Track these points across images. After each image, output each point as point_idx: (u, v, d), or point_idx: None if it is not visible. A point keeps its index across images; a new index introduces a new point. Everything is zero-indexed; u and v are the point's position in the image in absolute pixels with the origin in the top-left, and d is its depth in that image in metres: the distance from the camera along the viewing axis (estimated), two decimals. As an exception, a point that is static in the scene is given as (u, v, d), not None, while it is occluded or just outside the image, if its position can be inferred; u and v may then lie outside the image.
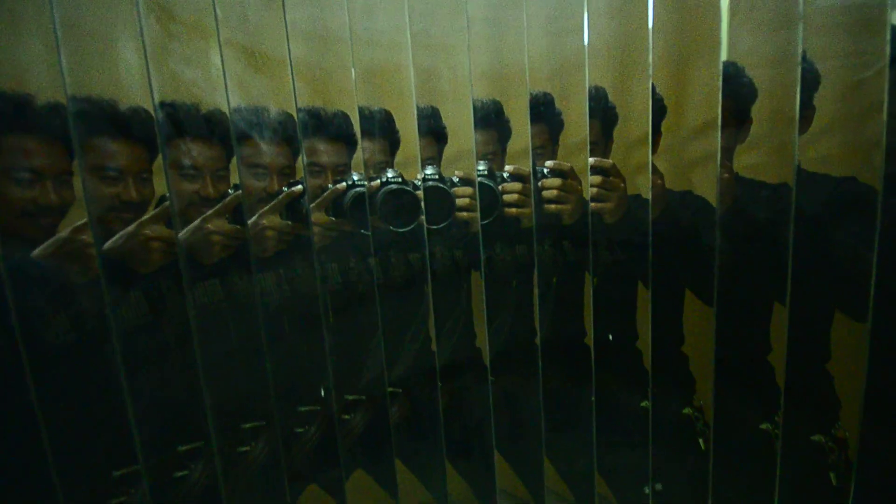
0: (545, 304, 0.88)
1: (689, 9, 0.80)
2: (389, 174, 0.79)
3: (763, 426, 0.83)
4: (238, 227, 0.75)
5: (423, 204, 0.80)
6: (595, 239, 0.85)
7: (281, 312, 0.81)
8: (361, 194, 0.78)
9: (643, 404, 0.88)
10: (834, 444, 0.78)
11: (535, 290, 0.88)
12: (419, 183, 0.80)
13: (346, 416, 0.85)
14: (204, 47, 0.70)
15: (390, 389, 0.86)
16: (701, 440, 0.87)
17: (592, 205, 0.83)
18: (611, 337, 0.88)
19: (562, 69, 0.83)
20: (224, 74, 0.69)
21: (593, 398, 0.88)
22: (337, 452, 0.85)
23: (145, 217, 0.70)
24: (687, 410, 0.88)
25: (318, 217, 0.79)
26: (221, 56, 0.69)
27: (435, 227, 0.81)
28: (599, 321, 0.87)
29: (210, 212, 0.74)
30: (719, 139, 0.75)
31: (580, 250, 0.86)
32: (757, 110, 0.80)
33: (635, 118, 0.83)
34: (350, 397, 0.85)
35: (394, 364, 0.88)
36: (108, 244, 0.68)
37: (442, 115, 0.85)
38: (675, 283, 0.87)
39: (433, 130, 0.84)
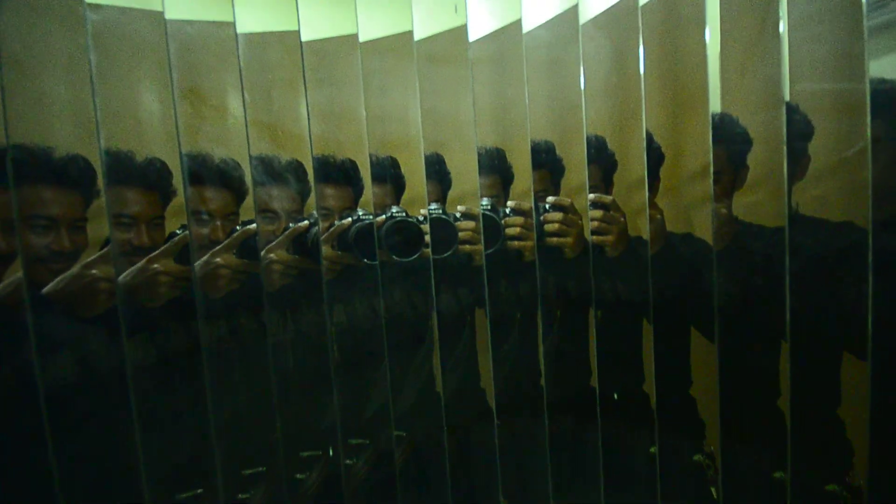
0: (549, 342, 0.88)
1: (681, 65, 0.84)
2: (394, 209, 0.82)
3: (777, 475, 0.80)
4: (245, 261, 0.77)
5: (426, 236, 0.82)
6: (597, 277, 0.85)
7: (286, 353, 0.81)
8: (366, 226, 0.80)
9: (652, 450, 0.86)
10: (849, 493, 0.76)
11: (539, 329, 0.88)
12: (422, 218, 0.82)
13: (349, 461, 0.84)
14: (231, 127, 0.76)
15: (396, 433, 0.85)
16: (713, 489, 0.85)
17: (594, 237, 0.85)
18: (616, 396, 0.88)
19: (563, 141, 0.88)
20: (248, 150, 0.75)
21: (600, 443, 0.87)
22: (342, 499, 0.82)
23: (156, 253, 0.73)
24: (697, 457, 0.86)
25: (323, 251, 0.81)
26: (247, 134, 0.74)
27: (438, 256, 0.83)
28: (604, 362, 0.87)
29: (219, 246, 0.77)
30: (711, 184, 0.78)
31: (583, 286, 0.87)
32: (753, 157, 0.83)
33: (634, 164, 0.86)
34: (354, 441, 0.84)
35: (396, 406, 0.87)
36: (119, 278, 0.70)
37: (447, 160, 0.88)
38: (679, 321, 0.87)
39: (437, 175, 0.87)
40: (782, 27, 0.73)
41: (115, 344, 0.71)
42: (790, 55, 0.72)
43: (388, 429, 0.85)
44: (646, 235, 0.86)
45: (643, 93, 0.80)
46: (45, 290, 0.67)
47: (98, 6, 0.68)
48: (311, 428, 0.83)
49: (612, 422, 0.88)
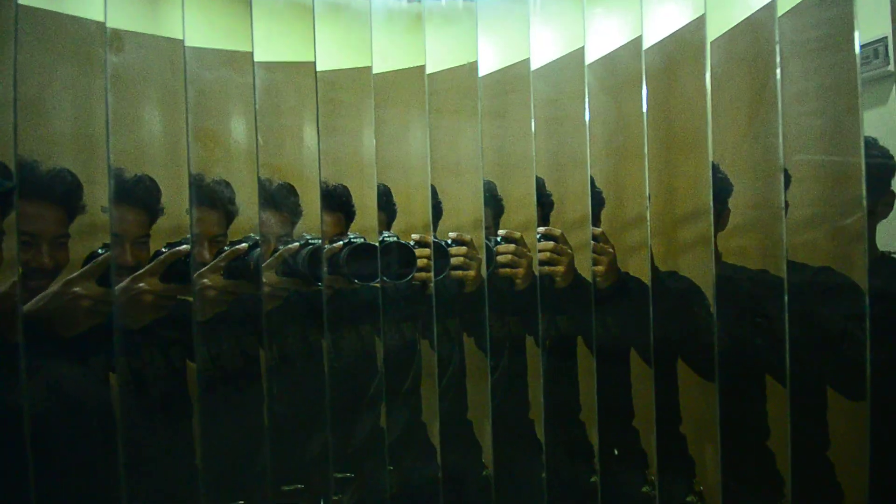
0: (536, 374, 0.88)
1: (675, 110, 0.89)
2: (385, 234, 0.82)
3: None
4: (233, 282, 0.75)
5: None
6: (587, 309, 0.86)
7: (272, 381, 0.78)
8: (357, 247, 0.79)
9: (644, 489, 0.85)
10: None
11: (534, 361, 0.87)
12: (413, 243, 0.83)
13: (336, 497, 0.80)
14: (242, 168, 0.77)
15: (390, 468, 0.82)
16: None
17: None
18: (616, 451, 0.87)
19: (554, 178, 0.90)
20: (258, 173, 0.75)
21: (593, 479, 0.85)
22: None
23: (140, 272, 0.70)
24: (690, 498, 0.85)
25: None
26: (258, 177, 0.75)
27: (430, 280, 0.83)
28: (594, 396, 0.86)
29: (205, 268, 0.74)
30: (712, 225, 0.80)
31: (573, 317, 0.88)
32: (734, 202, 0.87)
33: (625, 202, 0.89)
34: (338, 475, 0.80)
35: (381, 437, 0.84)
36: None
37: (438, 191, 0.90)
38: (667, 357, 0.88)
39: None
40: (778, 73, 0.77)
41: (93, 368, 0.68)
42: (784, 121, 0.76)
43: (380, 463, 0.81)
44: (633, 271, 0.88)
45: (645, 135, 0.83)
46: (27, 307, 0.64)
47: (120, 45, 0.68)
48: (294, 460, 0.79)
49: (605, 459, 0.86)
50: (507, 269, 0.87)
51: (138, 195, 0.74)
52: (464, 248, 0.85)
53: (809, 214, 0.81)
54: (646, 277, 0.85)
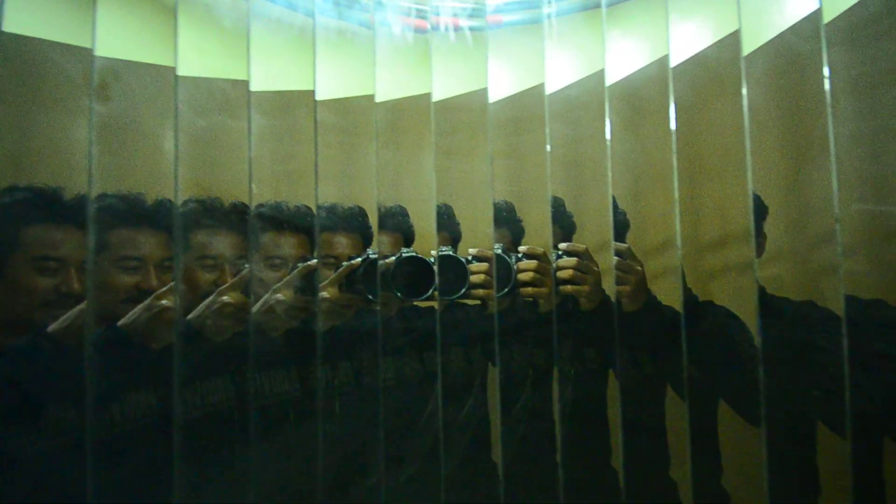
0: (562, 406, 0.81)
1: (705, 134, 0.86)
2: (403, 250, 0.80)
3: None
4: (306, 297, 0.78)
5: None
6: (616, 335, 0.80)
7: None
8: (404, 259, 0.78)
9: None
10: None
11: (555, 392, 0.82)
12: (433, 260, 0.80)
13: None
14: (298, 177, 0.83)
15: None
16: None
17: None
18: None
19: (575, 198, 0.89)
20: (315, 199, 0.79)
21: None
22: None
23: (225, 286, 0.74)
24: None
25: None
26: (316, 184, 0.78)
27: (449, 298, 0.80)
28: (626, 438, 0.78)
29: (280, 283, 0.78)
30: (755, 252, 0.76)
31: (601, 342, 0.82)
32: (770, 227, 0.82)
33: (648, 226, 0.84)
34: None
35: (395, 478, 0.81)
36: (191, 315, 0.72)
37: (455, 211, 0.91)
38: (706, 394, 0.78)
39: (448, 227, 0.89)
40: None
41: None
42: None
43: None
44: (664, 299, 0.82)
45: (675, 157, 0.78)
46: (122, 322, 0.68)
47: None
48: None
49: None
50: (531, 289, 0.79)
51: (234, 223, 0.79)
52: (485, 265, 0.79)
53: (859, 238, 0.75)
54: (676, 305, 0.79)
